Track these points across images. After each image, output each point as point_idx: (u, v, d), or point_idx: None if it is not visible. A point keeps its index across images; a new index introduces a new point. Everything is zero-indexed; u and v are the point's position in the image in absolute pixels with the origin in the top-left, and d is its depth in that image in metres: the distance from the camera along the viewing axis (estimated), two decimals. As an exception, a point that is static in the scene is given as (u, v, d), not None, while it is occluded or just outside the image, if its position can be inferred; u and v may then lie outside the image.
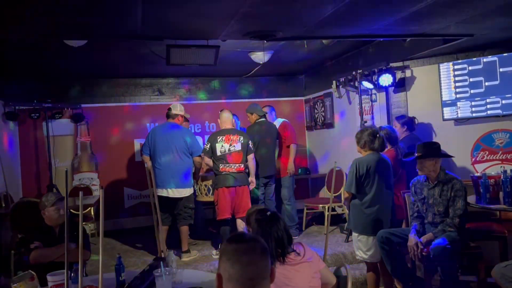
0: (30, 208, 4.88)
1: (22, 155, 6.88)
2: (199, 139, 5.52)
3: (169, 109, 5.29)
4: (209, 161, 5.11)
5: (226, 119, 5.21)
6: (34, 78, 6.77)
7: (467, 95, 5.10)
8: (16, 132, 6.82)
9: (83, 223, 3.04)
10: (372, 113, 6.05)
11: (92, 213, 6.28)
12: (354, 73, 5.86)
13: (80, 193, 2.15)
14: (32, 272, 2.47)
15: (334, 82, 6.49)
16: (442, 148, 3.88)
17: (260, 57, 5.62)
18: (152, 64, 6.14)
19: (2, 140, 6.17)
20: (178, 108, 5.27)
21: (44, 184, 6.82)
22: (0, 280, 2.88)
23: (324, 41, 5.10)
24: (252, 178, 5.21)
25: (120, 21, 3.74)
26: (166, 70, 6.70)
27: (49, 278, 2.50)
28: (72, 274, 2.51)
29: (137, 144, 7.30)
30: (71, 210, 5.34)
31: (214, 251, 5.32)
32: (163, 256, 4.09)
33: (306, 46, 5.45)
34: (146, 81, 7.50)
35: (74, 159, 7.04)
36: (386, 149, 4.17)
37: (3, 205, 5.76)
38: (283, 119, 6.33)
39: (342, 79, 6.20)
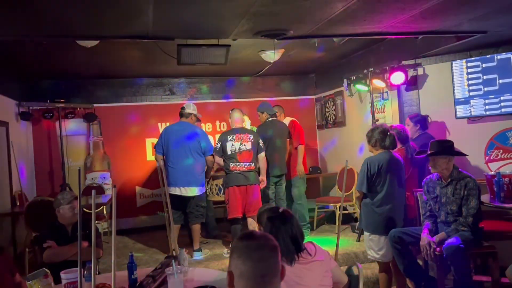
0: (44, 207, 4.96)
1: (36, 154, 6.97)
2: (210, 139, 5.53)
3: (183, 108, 5.32)
4: (220, 160, 5.13)
5: (237, 118, 5.22)
6: (47, 78, 6.85)
7: (481, 92, 5.03)
8: (30, 132, 6.91)
9: (96, 221, 3.07)
10: (384, 111, 6.01)
11: (105, 212, 6.34)
12: (365, 71, 5.82)
13: (93, 192, 2.18)
14: (46, 270, 2.50)
15: (345, 80, 6.45)
16: (455, 146, 3.83)
17: (270, 56, 5.61)
18: (163, 64, 6.17)
19: (16, 139, 6.26)
20: (191, 108, 5.30)
21: (57, 183, 6.90)
22: (15, 278, 2.92)
23: (335, 39, 5.08)
24: (263, 177, 5.22)
25: (132, 22, 3.77)
26: (177, 70, 6.72)
27: (62, 276, 2.53)
28: (85, 272, 2.54)
29: (148, 143, 7.35)
30: (84, 209, 5.39)
31: (225, 250, 5.33)
32: (174, 254, 4.12)
33: (317, 44, 5.43)
34: (157, 81, 7.54)
35: (86, 159, 7.11)
36: (396, 148, 4.14)
37: (18, 204, 5.85)
38: (292, 118, 6.31)
39: (353, 78, 6.17)
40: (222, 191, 5.66)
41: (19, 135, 6.44)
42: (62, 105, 6.66)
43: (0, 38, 4.15)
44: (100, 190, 6.61)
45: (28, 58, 5.60)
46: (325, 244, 5.24)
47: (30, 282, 2.41)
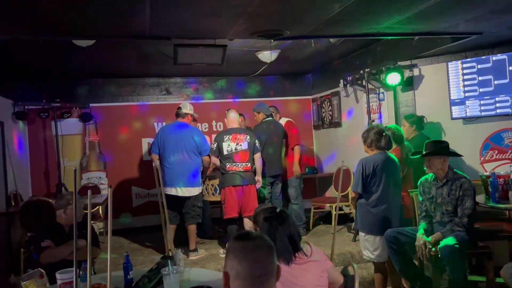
0: (39, 207, 4.93)
1: (32, 154, 6.94)
2: (207, 139, 5.54)
3: (179, 108, 5.31)
4: (216, 161, 5.13)
5: (233, 119, 5.22)
6: (43, 78, 6.82)
7: (476, 93, 5.06)
8: (25, 132, 6.88)
9: (92, 221, 3.05)
10: (380, 112, 6.03)
11: (101, 212, 6.32)
12: (361, 71, 5.84)
13: (89, 191, 2.17)
14: (42, 270, 2.49)
15: (341, 81, 6.47)
16: (450, 147, 3.85)
17: (267, 56, 5.62)
18: (159, 64, 6.17)
19: (12, 139, 6.23)
20: (188, 108, 5.30)
21: (53, 183, 6.87)
22: (10, 278, 2.91)
23: (331, 40, 5.09)
24: (258, 177, 5.22)
25: (128, 22, 3.76)
26: (173, 70, 6.72)
27: (58, 276, 2.52)
28: (81, 272, 2.53)
29: (144, 143, 7.34)
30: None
31: (221, 250, 5.33)
32: (170, 254, 4.12)
33: (313, 45, 5.44)
34: (153, 81, 7.53)
35: (82, 158, 7.09)
36: (392, 148, 4.16)
37: (13, 203, 5.82)
38: (287, 119, 6.32)
39: (349, 78, 6.18)
40: (218, 191, 5.66)
41: (14, 135, 6.41)
42: (58, 104, 6.64)
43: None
44: (96, 190, 6.60)
45: (24, 57, 5.57)
46: (321, 244, 5.26)
47: (25, 282, 2.40)
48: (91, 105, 7.02)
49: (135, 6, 3.30)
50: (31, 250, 3.23)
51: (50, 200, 4.93)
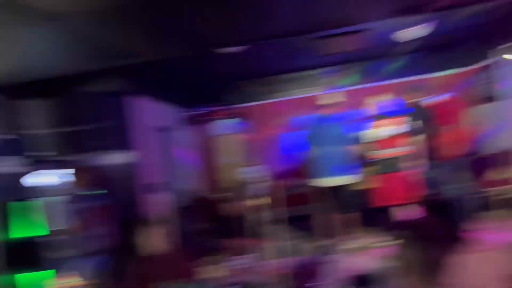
0: (208, 201, 5.49)
1: (197, 154, 7.75)
2: (352, 127, 5.50)
3: (323, 99, 5.38)
4: (369, 147, 5.05)
5: (376, 104, 5.10)
6: (200, 85, 7.42)
7: None
8: (191, 135, 7.73)
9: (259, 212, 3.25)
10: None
11: (261, 203, 6.72)
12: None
13: (252, 186, 2.35)
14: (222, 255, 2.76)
15: (499, 49, 5.79)
16: None
17: (411, 33, 5.32)
18: (300, 58, 6.27)
19: (180, 142, 7.11)
20: (334, 96, 5.34)
21: (215, 180, 7.56)
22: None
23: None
24: (416, 162, 4.97)
25: (271, 22, 3.92)
26: (314, 62, 6.77)
27: (232, 262, 2.77)
28: (250, 259, 2.74)
29: (292, 137, 7.56)
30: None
31: (378, 239, 5.24)
32: (330, 243, 4.21)
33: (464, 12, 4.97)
34: (295, 75, 7.66)
35: (241, 155, 7.65)
36: None
37: (186, 199, 6.56)
38: (440, 97, 5.89)
39: (509, 45, 5.51)
40: (371, 179, 5.56)
41: (182, 138, 7.28)
42: (214, 108, 7.41)
43: (164, 56, 4.57)
44: (251, 184, 7.03)
45: (182, 69, 6.18)
46: (496, 231, 4.79)
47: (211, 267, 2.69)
48: (243, 105, 7.59)
49: (276, 5, 3.43)
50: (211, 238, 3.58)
51: (218, 196, 5.45)
